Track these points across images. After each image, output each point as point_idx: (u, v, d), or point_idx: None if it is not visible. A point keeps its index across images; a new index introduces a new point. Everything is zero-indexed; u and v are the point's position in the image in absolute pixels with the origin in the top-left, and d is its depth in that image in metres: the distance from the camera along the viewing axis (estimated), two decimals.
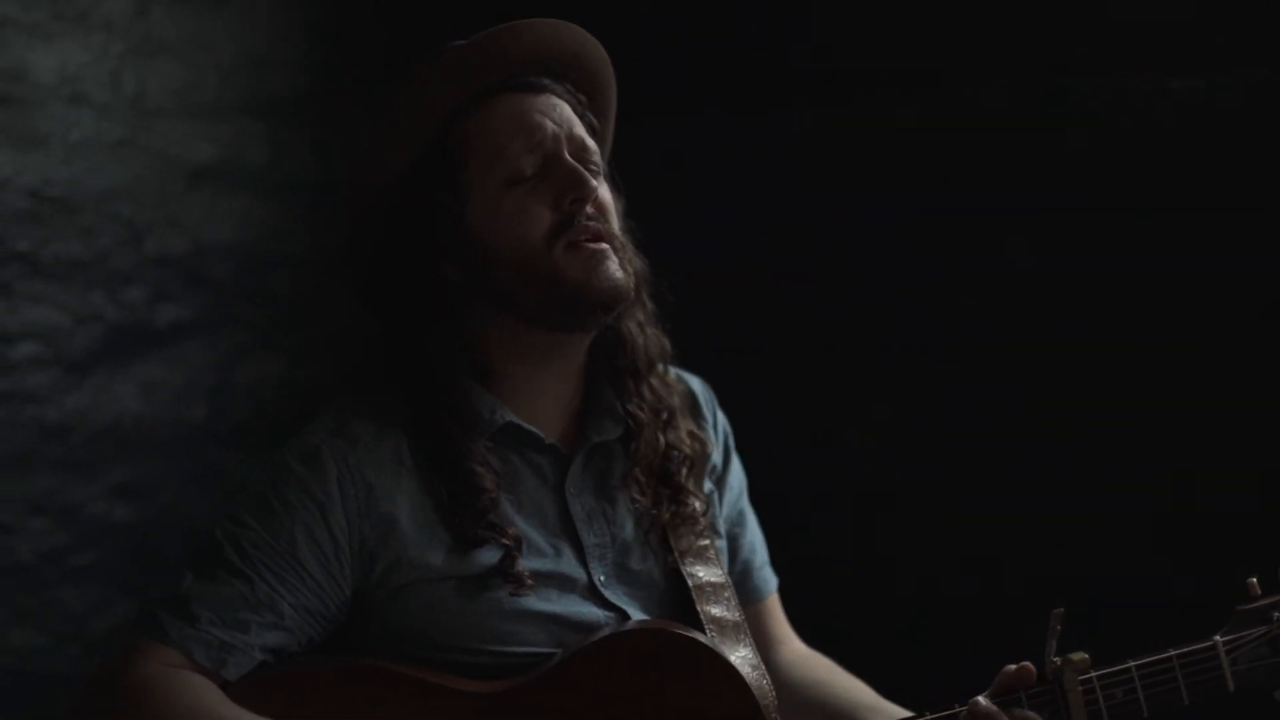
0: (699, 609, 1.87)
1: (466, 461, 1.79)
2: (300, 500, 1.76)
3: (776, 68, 2.86)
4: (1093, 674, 1.72)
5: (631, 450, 1.90)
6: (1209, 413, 2.55)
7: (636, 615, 1.84)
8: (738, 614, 1.90)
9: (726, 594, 1.91)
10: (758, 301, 2.87)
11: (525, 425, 1.85)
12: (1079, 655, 1.72)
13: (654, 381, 1.92)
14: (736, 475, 2.06)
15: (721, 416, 2.07)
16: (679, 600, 1.90)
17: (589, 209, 1.81)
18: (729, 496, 2.04)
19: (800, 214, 2.84)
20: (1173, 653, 1.74)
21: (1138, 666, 1.73)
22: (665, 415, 1.93)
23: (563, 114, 1.84)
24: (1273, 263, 2.51)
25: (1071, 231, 2.66)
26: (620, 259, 1.83)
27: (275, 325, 2.99)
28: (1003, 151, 2.71)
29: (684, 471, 1.92)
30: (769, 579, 2.10)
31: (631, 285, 1.84)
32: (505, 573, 1.79)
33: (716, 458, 2.01)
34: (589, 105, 1.90)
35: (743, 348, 2.78)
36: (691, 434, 1.96)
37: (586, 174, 1.81)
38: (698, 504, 1.93)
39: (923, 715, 1.75)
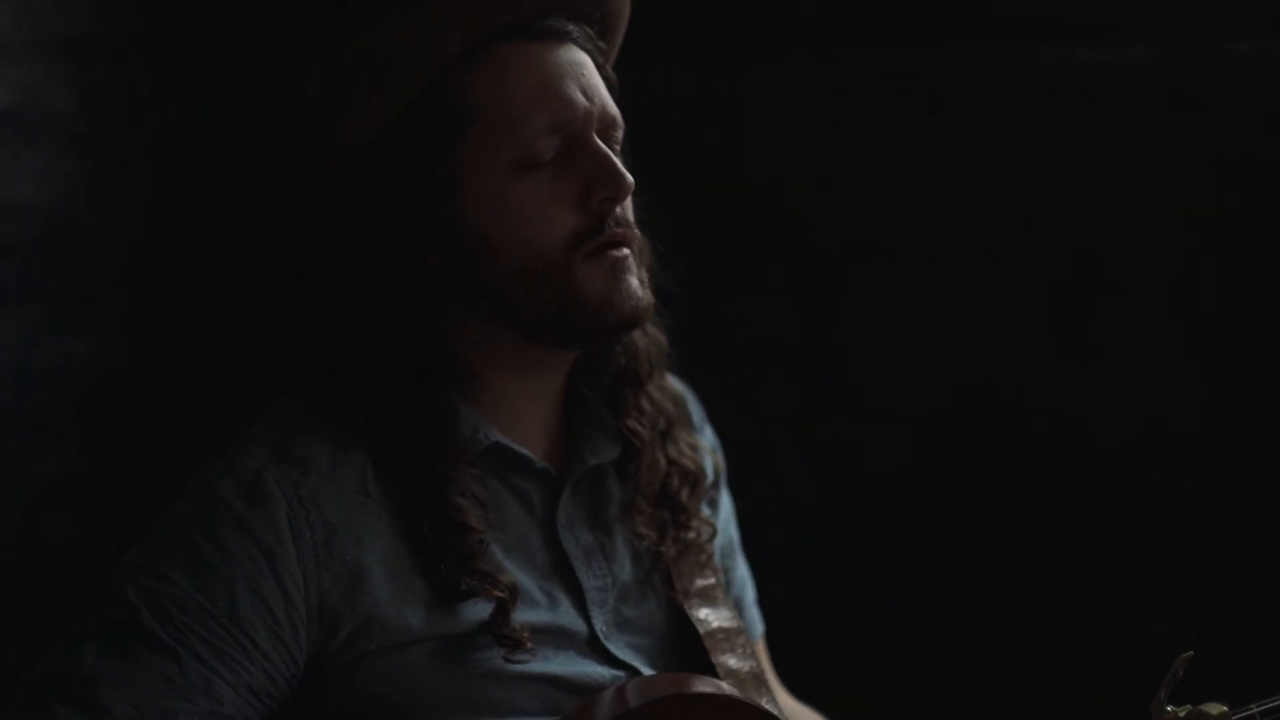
0: (714, 660, 1.47)
1: (449, 492, 1.35)
2: (241, 547, 1.29)
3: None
4: None
5: (631, 474, 1.50)
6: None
7: (645, 671, 1.43)
8: (754, 662, 1.51)
9: (741, 640, 1.52)
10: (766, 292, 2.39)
11: (514, 446, 1.42)
12: (1216, 709, 1.33)
13: (652, 390, 1.52)
14: (727, 499, 1.67)
15: (710, 431, 1.67)
16: (687, 649, 1.50)
17: (619, 209, 1.39)
18: (720, 522, 1.64)
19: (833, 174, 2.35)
20: None
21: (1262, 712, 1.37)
22: (664, 425, 1.51)
23: (590, 78, 1.40)
24: None
25: (1107, 231, 2.27)
26: (639, 268, 1.42)
27: (81, 299, 2.45)
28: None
29: (686, 491, 1.52)
30: (756, 621, 1.71)
31: (650, 301, 1.43)
32: (498, 632, 1.35)
33: (710, 473, 1.61)
34: (607, 53, 1.46)
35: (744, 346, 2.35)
36: (691, 446, 1.55)
37: (621, 166, 1.38)
38: (702, 529, 1.53)
39: None
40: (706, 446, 1.61)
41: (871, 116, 2.30)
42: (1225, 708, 1.34)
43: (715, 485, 1.62)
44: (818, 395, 2.34)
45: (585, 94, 1.39)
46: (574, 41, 1.41)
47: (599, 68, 1.43)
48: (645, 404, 1.50)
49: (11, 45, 2.36)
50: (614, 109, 1.42)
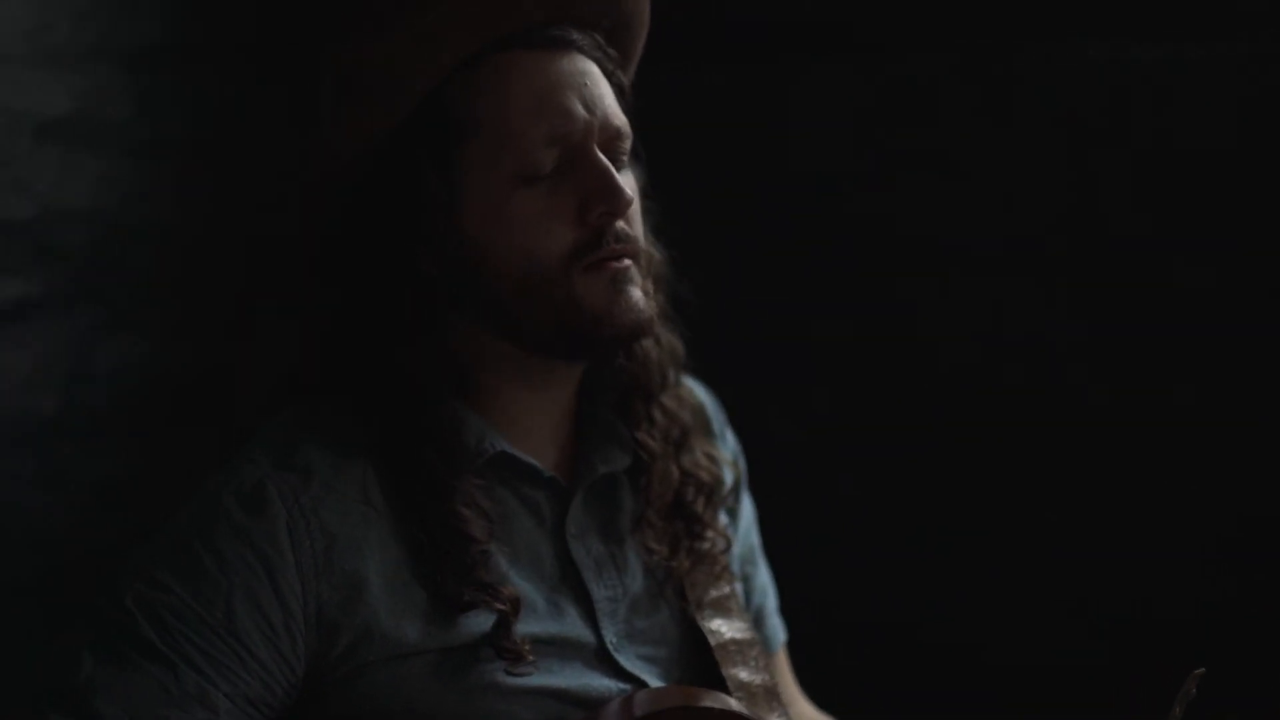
0: (724, 673, 1.43)
1: (452, 502, 1.32)
2: (240, 556, 1.27)
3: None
4: None
5: (642, 486, 1.46)
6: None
7: (654, 684, 1.39)
8: (767, 676, 1.47)
9: (754, 652, 1.48)
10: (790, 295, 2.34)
11: (521, 456, 1.39)
12: None
13: (666, 400, 1.48)
14: (748, 505, 1.63)
15: (731, 436, 1.63)
16: (699, 661, 1.45)
17: (619, 223, 1.35)
18: (741, 529, 1.60)
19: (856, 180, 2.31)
20: None
21: None
22: (678, 435, 1.48)
23: (594, 89, 1.36)
24: None
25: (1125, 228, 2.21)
26: (643, 279, 1.38)
27: (138, 303, 2.46)
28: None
29: (701, 501, 1.48)
30: (778, 629, 1.67)
31: (654, 312, 1.40)
32: (499, 644, 1.32)
33: (729, 481, 1.56)
34: (619, 60, 1.42)
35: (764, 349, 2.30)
36: (708, 456, 1.51)
37: (620, 180, 1.34)
38: (717, 540, 1.49)
39: None
40: (726, 456, 1.57)
41: (918, 116, 2.25)
42: None
43: (735, 494, 1.58)
44: (864, 397, 2.30)
45: (586, 105, 1.35)
46: (579, 50, 1.37)
47: (607, 75, 1.39)
48: (657, 415, 1.47)
49: (70, 53, 2.38)
50: (619, 119, 1.38)
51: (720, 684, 1.42)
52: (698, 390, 1.59)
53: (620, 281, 1.35)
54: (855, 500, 2.29)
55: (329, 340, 1.40)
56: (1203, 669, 1.29)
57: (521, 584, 1.36)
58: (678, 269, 1.48)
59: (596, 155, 1.34)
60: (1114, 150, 2.18)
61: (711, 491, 1.50)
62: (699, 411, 1.55)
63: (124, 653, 1.24)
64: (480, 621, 1.33)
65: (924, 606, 2.24)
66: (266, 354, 2.42)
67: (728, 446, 1.61)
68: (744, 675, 1.44)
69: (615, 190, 1.33)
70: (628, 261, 1.36)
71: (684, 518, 1.47)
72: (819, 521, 2.23)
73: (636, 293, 1.36)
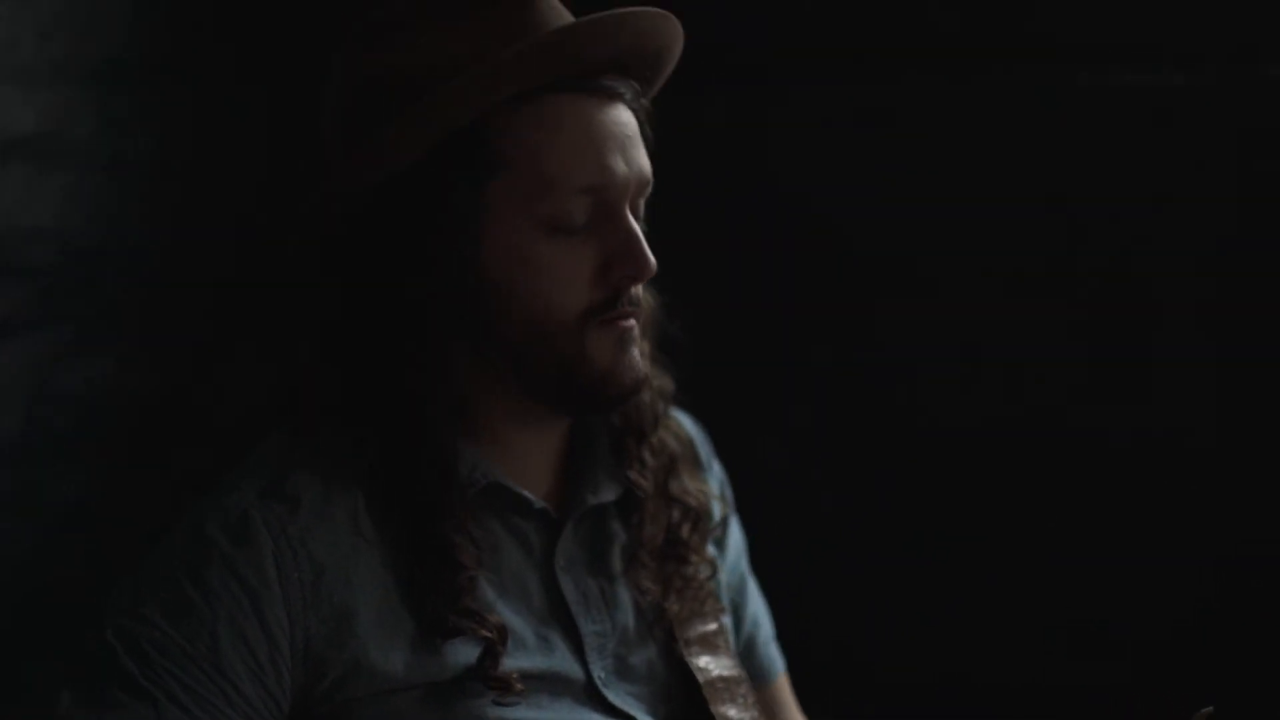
0: (714, 711, 1.41)
1: (442, 527, 1.29)
2: (225, 587, 1.24)
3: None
4: None
5: (634, 525, 1.44)
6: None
7: None
8: (756, 713, 1.45)
9: (742, 689, 1.46)
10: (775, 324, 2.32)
11: (513, 486, 1.36)
12: None
13: (654, 441, 1.46)
14: (736, 534, 1.61)
15: (718, 466, 1.61)
16: (687, 697, 1.43)
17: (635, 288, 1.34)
18: (729, 559, 1.58)
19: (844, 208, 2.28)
20: None
21: None
22: (667, 462, 1.46)
23: (633, 145, 1.33)
24: None
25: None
26: (641, 339, 1.38)
27: (104, 323, 2.41)
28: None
29: (687, 527, 1.46)
30: (775, 658, 1.64)
31: (647, 373, 1.39)
32: (486, 674, 1.29)
33: (717, 514, 1.54)
34: (649, 111, 1.40)
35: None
36: (698, 488, 1.48)
37: (646, 247, 1.33)
38: (702, 566, 1.47)
39: None
40: (713, 489, 1.55)
41: (901, 138, 2.23)
42: None
43: (722, 524, 1.56)
44: (846, 416, 2.28)
45: (626, 161, 1.32)
46: (623, 101, 1.34)
47: (640, 126, 1.37)
48: (648, 455, 1.45)
49: (36, 70, 2.33)
50: (648, 171, 1.35)
51: None
52: (685, 422, 1.57)
53: (626, 341, 1.34)
54: (841, 521, 2.26)
55: (324, 360, 1.37)
56: (1211, 709, 1.27)
57: (510, 616, 1.33)
58: (668, 305, 1.45)
59: (627, 216, 1.33)
60: (1095, 173, 2.17)
61: (699, 518, 1.48)
62: (688, 444, 1.53)
63: (104, 688, 1.20)
64: (467, 653, 1.30)
65: (914, 626, 2.22)
66: (235, 376, 2.40)
67: (715, 477, 1.59)
68: (733, 713, 1.42)
69: (643, 258, 1.32)
70: (633, 322, 1.35)
71: (672, 542, 1.45)
72: (806, 545, 2.21)
73: (636, 353, 1.35)
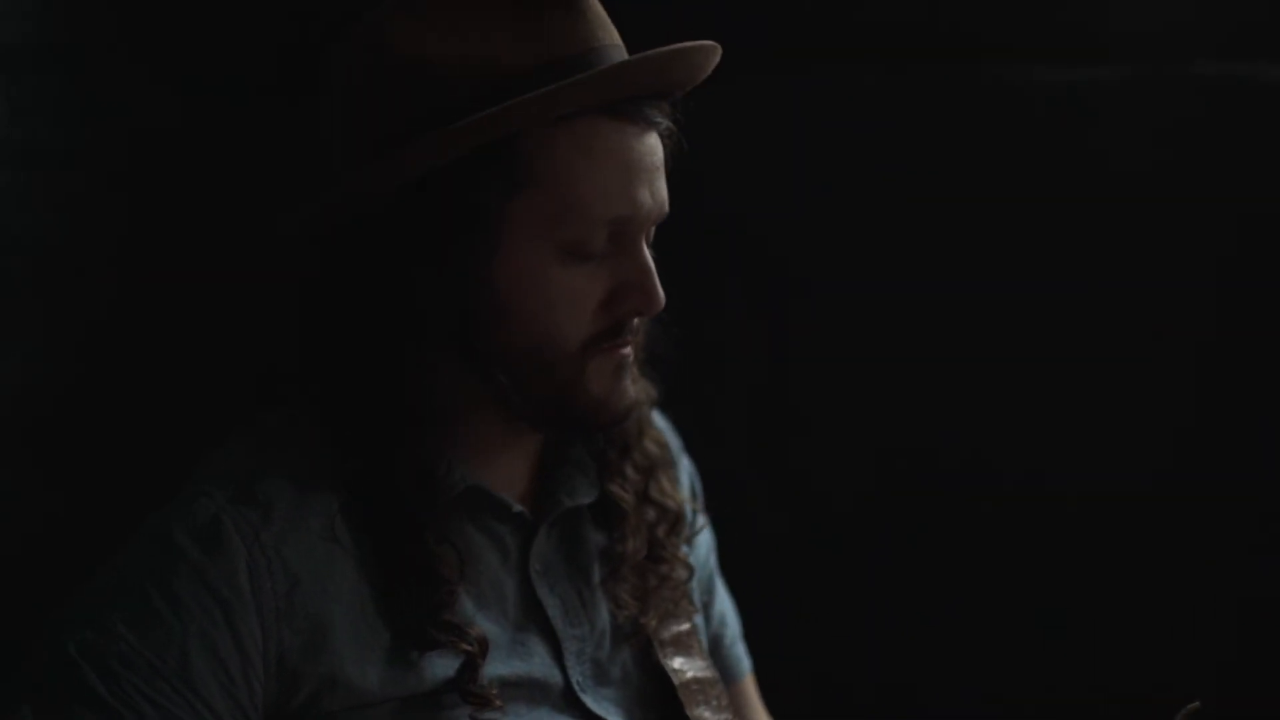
0: (689, 714, 1.38)
1: (424, 539, 1.24)
2: (196, 599, 1.17)
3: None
4: None
5: (615, 538, 1.40)
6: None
7: None
8: (729, 715, 1.42)
9: (716, 690, 1.43)
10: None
11: (491, 491, 1.32)
12: None
13: (636, 455, 1.43)
14: (705, 533, 1.57)
15: (688, 461, 1.57)
16: (662, 700, 1.40)
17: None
18: (700, 555, 1.54)
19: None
20: None
21: None
22: (649, 471, 1.43)
23: (659, 176, 1.29)
24: None
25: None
26: (632, 366, 1.34)
27: (9, 321, 2.32)
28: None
29: (664, 530, 1.43)
30: (741, 657, 1.61)
31: (638, 399, 1.36)
32: (465, 688, 1.24)
33: (689, 512, 1.51)
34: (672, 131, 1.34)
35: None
36: (676, 493, 1.47)
37: (658, 281, 1.29)
38: (678, 568, 1.44)
39: None
40: (684, 484, 1.53)
41: (830, 137, 2.21)
42: None
43: (693, 520, 1.52)
44: (776, 423, 2.26)
45: (652, 193, 1.27)
46: (655, 128, 1.29)
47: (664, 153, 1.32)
48: (630, 470, 1.41)
49: None
50: (667, 203, 1.31)
51: None
52: (656, 419, 1.53)
53: (622, 370, 1.30)
54: (772, 523, 2.25)
55: (304, 356, 1.31)
56: (1197, 703, 1.27)
57: (487, 625, 1.29)
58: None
59: (644, 250, 1.29)
60: (1033, 172, 2.18)
61: (678, 521, 1.45)
62: (665, 447, 1.50)
63: (67, 705, 1.13)
64: (445, 666, 1.25)
65: (884, 632, 2.21)
66: (131, 374, 2.31)
67: (685, 471, 1.55)
68: (707, 715, 1.39)
69: (655, 293, 1.28)
70: (630, 350, 1.31)
71: (653, 552, 1.42)
72: (773, 550, 2.20)
73: (629, 381, 1.32)
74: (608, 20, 1.29)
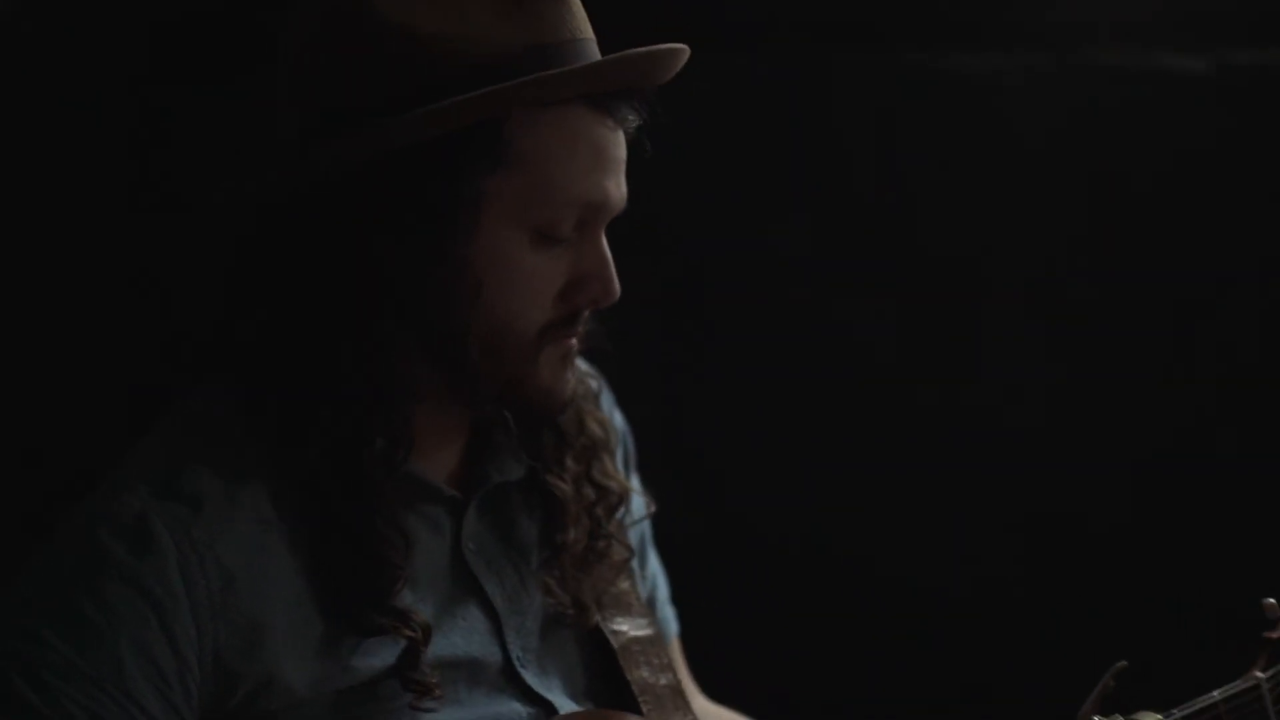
0: (629, 676, 1.37)
1: (373, 524, 1.22)
2: (127, 602, 1.13)
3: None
4: None
5: (555, 528, 1.38)
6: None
7: (563, 704, 1.32)
8: (671, 675, 1.42)
9: (655, 649, 1.42)
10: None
11: (423, 475, 1.30)
12: (1151, 718, 1.27)
13: (577, 442, 1.43)
14: (638, 488, 1.54)
15: (620, 416, 1.55)
16: (603, 666, 1.39)
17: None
18: (633, 512, 1.52)
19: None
20: (1217, 696, 1.31)
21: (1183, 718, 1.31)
22: (590, 452, 1.43)
23: (622, 171, 1.29)
24: None
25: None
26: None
27: None
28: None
29: (604, 510, 1.42)
30: (670, 620, 1.61)
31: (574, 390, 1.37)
32: (406, 675, 1.22)
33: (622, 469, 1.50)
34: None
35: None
36: (615, 468, 1.46)
37: (614, 273, 1.29)
38: (619, 549, 1.43)
39: None
40: (616, 427, 1.52)
41: (725, 121, 2.21)
42: (1160, 716, 1.28)
43: (627, 475, 1.52)
44: (685, 408, 2.28)
45: (618, 186, 1.28)
46: (625, 126, 1.28)
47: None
48: (569, 460, 1.40)
49: None
50: (625, 200, 1.31)
51: (625, 687, 1.37)
52: (584, 366, 1.49)
53: (568, 359, 1.31)
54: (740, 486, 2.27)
55: (239, 336, 1.26)
56: (1124, 663, 1.28)
57: (423, 608, 1.26)
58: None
59: (604, 244, 1.29)
60: (930, 154, 2.21)
61: (619, 501, 1.44)
62: (606, 426, 1.47)
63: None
64: (385, 654, 1.22)
65: (815, 589, 2.24)
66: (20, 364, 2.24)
67: (617, 423, 1.53)
68: (648, 676, 1.39)
69: (612, 283, 1.29)
70: (575, 342, 1.31)
71: (593, 540, 1.40)
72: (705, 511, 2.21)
73: (571, 372, 1.32)
74: (585, 14, 1.29)
